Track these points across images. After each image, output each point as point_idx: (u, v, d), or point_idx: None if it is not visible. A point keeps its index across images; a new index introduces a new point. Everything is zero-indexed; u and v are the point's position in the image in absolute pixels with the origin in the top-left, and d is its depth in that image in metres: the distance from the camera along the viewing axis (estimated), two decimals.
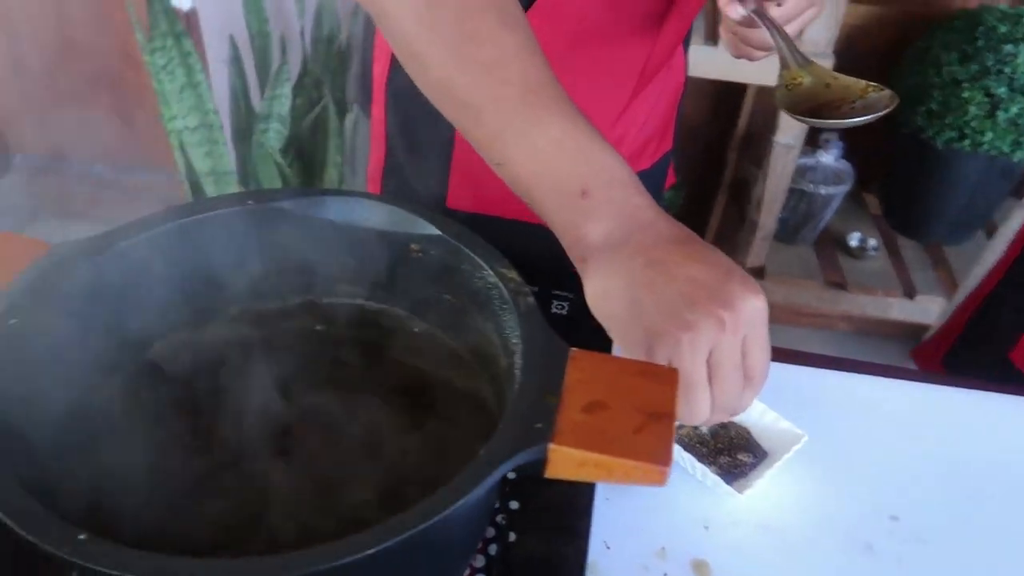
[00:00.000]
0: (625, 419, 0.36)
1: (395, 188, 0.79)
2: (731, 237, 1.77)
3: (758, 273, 1.63)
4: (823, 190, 1.60)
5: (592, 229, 0.43)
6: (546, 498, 0.50)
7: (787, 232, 1.71)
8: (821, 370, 0.67)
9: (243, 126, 1.43)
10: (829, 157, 1.63)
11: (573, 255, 0.44)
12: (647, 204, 0.43)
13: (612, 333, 0.44)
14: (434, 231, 0.48)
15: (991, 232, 1.69)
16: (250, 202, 0.48)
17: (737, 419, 0.61)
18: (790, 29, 0.56)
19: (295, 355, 0.49)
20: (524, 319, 0.42)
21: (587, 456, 0.35)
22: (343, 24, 1.46)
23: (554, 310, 0.68)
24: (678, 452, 0.57)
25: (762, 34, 0.57)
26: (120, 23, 1.81)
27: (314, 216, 0.49)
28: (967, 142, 1.51)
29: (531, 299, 0.43)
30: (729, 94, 1.73)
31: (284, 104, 1.34)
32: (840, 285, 1.65)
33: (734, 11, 0.57)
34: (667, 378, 0.39)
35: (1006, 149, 1.51)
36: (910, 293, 1.63)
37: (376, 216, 0.49)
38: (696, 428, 0.60)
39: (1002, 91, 1.46)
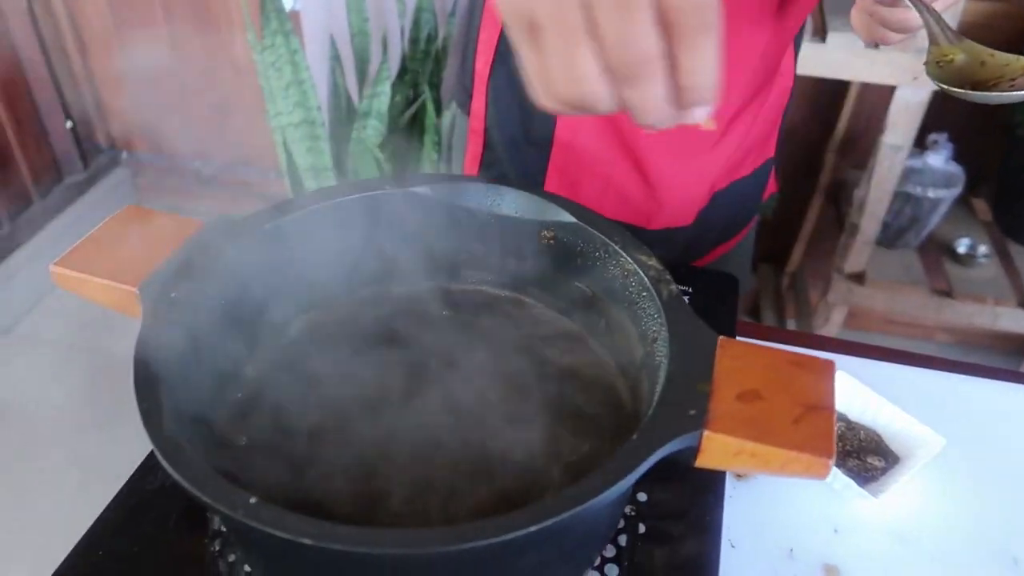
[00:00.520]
0: (783, 409, 0.35)
1: None
2: (828, 241, 1.71)
3: (858, 279, 1.57)
4: (931, 193, 1.53)
5: None
6: (673, 492, 0.49)
7: (889, 237, 1.64)
8: (954, 375, 0.64)
9: (342, 122, 1.47)
10: (938, 159, 1.55)
11: None
12: None
13: None
14: (569, 218, 0.48)
15: None
16: (387, 187, 0.49)
17: (867, 422, 0.58)
18: (938, 6, 0.53)
19: (421, 341, 0.49)
20: (668, 307, 0.41)
21: (744, 445, 0.34)
22: (440, 24, 1.48)
23: None
24: None
25: (902, 13, 0.54)
26: (224, 24, 1.88)
27: (448, 202, 0.50)
28: None
29: (674, 287, 0.42)
30: (828, 94, 1.67)
31: (384, 101, 1.37)
32: (946, 293, 1.57)
33: None
34: (823, 369, 0.37)
35: None
36: (1023, 302, 1.55)
37: (509, 202, 0.49)
38: None
39: None
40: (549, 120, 0.71)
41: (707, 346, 0.38)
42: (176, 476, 0.32)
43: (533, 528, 0.30)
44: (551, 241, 0.49)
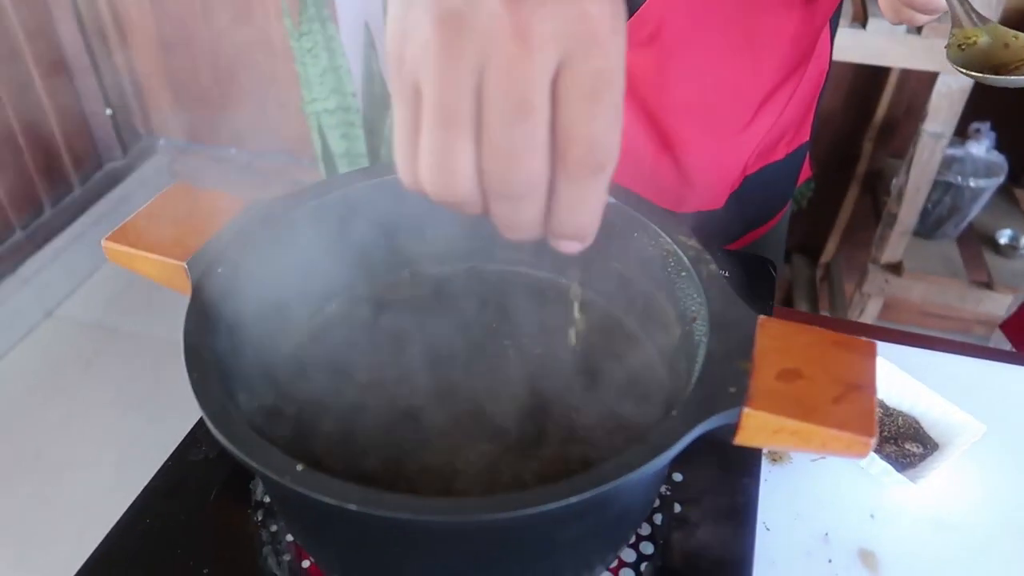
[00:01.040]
0: (823, 388, 0.35)
1: None
2: (864, 231, 1.69)
3: (895, 269, 1.55)
4: (972, 182, 1.50)
5: None
6: (709, 474, 0.49)
7: (927, 227, 1.61)
8: (994, 362, 0.63)
9: (377, 109, 1.48)
10: (980, 148, 1.52)
11: None
12: None
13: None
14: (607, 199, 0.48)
15: None
16: None
17: (906, 408, 0.58)
18: None
19: (458, 320, 0.50)
20: (707, 285, 0.41)
21: (784, 423, 0.34)
22: None
23: None
24: None
25: None
26: (260, 11, 1.90)
27: None
28: None
29: (713, 266, 0.42)
30: (866, 81, 1.64)
31: None
32: (986, 284, 1.54)
33: None
34: (865, 350, 0.37)
35: None
36: None
37: None
38: None
39: None
40: None
41: (747, 325, 0.38)
42: (225, 443, 0.33)
43: (573, 499, 0.31)
44: None
